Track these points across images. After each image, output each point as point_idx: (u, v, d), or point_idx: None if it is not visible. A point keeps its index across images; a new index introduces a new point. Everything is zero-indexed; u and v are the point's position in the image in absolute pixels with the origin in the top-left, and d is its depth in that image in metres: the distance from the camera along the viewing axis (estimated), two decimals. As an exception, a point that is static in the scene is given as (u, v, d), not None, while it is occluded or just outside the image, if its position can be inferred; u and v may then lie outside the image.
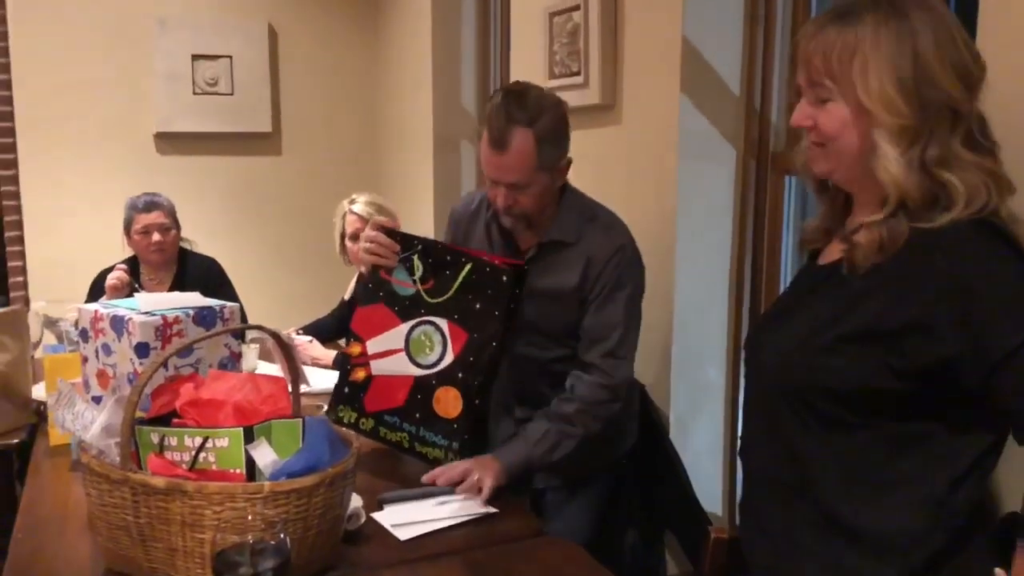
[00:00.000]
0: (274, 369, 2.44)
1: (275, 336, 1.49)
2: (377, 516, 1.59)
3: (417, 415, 1.81)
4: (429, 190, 3.76)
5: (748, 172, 2.21)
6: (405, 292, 1.82)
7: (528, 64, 2.79)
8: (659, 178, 2.25)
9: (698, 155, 2.19)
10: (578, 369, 1.84)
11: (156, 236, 2.91)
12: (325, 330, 2.98)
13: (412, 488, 1.70)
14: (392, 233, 1.84)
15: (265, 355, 2.65)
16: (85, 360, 1.83)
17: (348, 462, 1.37)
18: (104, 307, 1.79)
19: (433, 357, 1.79)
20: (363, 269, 2.74)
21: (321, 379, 2.44)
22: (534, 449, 1.78)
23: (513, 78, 2.95)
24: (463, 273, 1.76)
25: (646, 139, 2.31)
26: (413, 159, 3.91)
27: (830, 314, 1.14)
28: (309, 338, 2.80)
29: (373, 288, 1.86)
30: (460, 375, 1.76)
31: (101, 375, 1.78)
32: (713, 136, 2.20)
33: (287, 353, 1.50)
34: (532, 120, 1.71)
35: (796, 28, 2.14)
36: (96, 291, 2.94)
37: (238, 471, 1.31)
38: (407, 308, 1.82)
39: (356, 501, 1.53)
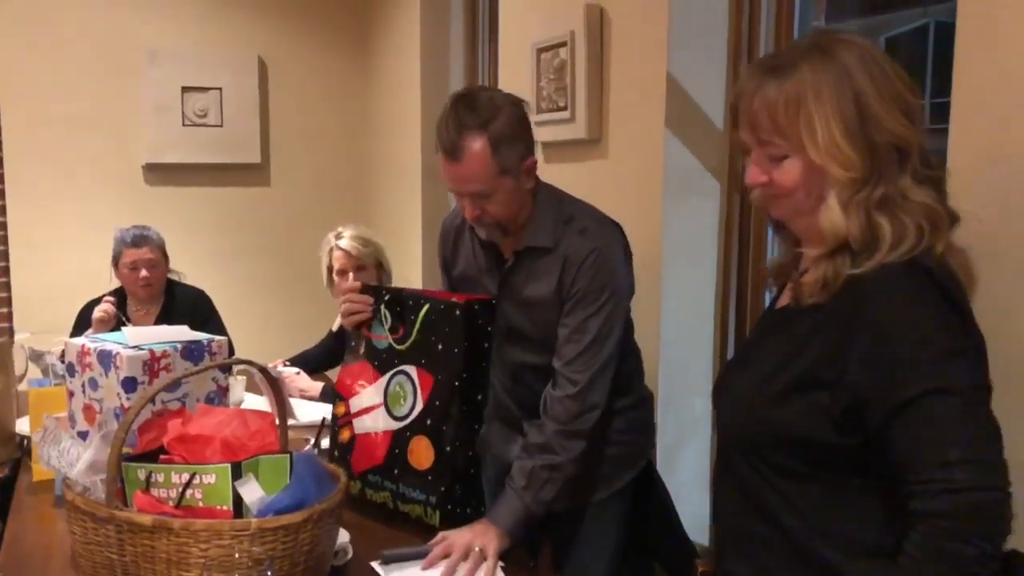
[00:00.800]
0: (261, 401, 2.44)
1: (262, 370, 1.49)
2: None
3: (396, 471, 1.73)
4: (418, 222, 3.78)
5: (732, 206, 2.24)
6: (381, 345, 1.80)
7: (515, 98, 2.82)
8: (645, 212, 2.27)
9: (683, 189, 2.22)
10: (552, 381, 1.73)
11: (144, 272, 2.91)
12: (312, 361, 2.97)
13: (414, 545, 1.59)
14: (365, 288, 1.85)
15: (252, 387, 2.65)
16: (71, 395, 1.82)
17: (335, 498, 1.37)
18: (91, 341, 1.79)
19: (406, 407, 1.74)
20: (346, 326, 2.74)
21: (308, 411, 2.43)
22: (525, 495, 1.66)
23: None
24: (421, 315, 1.73)
25: (632, 173, 2.34)
26: (402, 191, 3.93)
27: (781, 358, 1.14)
28: (296, 370, 2.80)
29: (356, 345, 1.85)
30: (429, 422, 1.70)
31: (87, 410, 1.77)
32: (697, 170, 2.23)
33: (274, 387, 1.51)
34: (485, 123, 1.60)
35: (778, 65, 2.18)
36: (82, 323, 2.93)
37: (225, 508, 1.31)
38: (384, 361, 1.79)
39: (343, 536, 1.53)
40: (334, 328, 3.01)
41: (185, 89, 4.00)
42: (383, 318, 1.80)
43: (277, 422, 1.49)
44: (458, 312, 1.68)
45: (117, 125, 3.96)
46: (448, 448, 1.68)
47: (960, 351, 1.02)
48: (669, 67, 2.18)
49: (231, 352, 2.68)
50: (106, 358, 1.71)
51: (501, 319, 1.79)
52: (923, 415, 1.00)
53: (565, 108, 2.53)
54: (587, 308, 1.70)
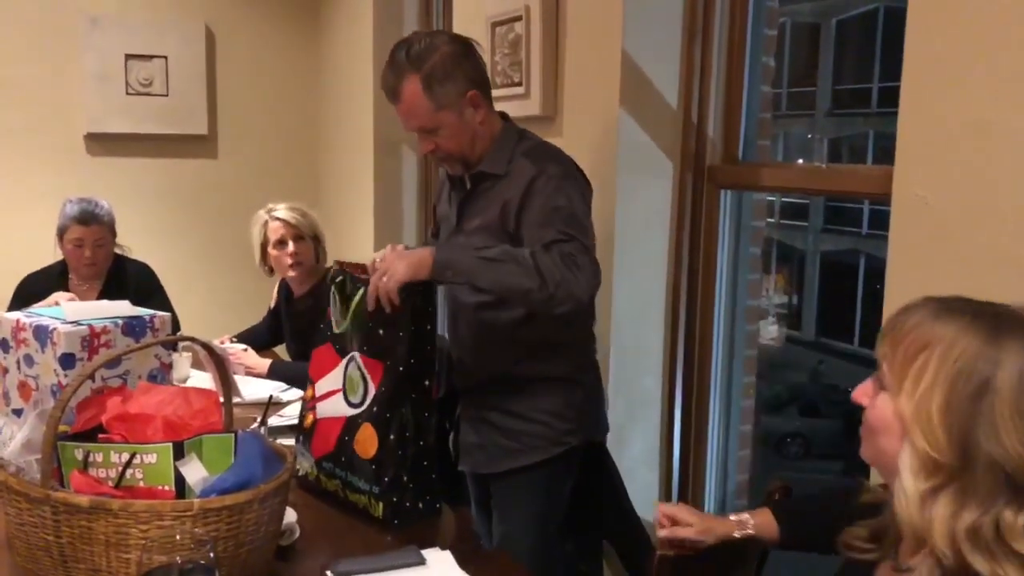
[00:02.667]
0: (207, 378, 2.39)
1: (207, 347, 1.46)
2: None
3: (343, 459, 1.67)
4: (370, 194, 3.73)
5: (685, 185, 2.24)
6: (341, 328, 1.73)
7: (470, 73, 2.79)
8: (599, 189, 2.25)
9: (637, 167, 2.22)
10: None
11: (88, 252, 2.79)
12: (259, 338, 2.92)
13: (370, 556, 1.43)
14: (334, 265, 1.78)
15: (198, 364, 2.59)
16: (5, 372, 1.76)
17: (282, 476, 1.34)
18: (27, 316, 1.73)
19: (359, 394, 1.67)
20: (289, 275, 2.70)
21: (255, 389, 2.39)
22: (475, 252, 1.65)
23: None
24: (356, 299, 1.68)
25: (586, 151, 2.32)
26: (354, 163, 3.87)
27: None
28: (243, 346, 2.75)
29: (324, 328, 1.77)
30: (375, 410, 1.63)
31: (23, 387, 1.72)
32: (651, 149, 2.23)
33: (219, 364, 1.47)
34: (418, 64, 1.71)
35: (733, 44, 2.19)
36: (21, 296, 2.83)
37: (167, 488, 1.28)
38: (342, 345, 1.72)
39: (291, 516, 1.51)
40: (271, 305, 2.96)
41: (129, 57, 3.87)
42: (333, 299, 1.74)
43: (222, 400, 1.46)
44: (403, 293, 1.61)
45: (57, 93, 3.81)
46: (392, 437, 1.61)
47: None
48: (624, 44, 2.17)
49: (176, 328, 2.62)
50: (42, 333, 1.66)
51: None
52: None
53: (520, 84, 2.51)
54: (546, 201, 1.69)
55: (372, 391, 1.65)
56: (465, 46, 1.78)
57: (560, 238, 1.66)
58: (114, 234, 2.90)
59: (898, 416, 0.92)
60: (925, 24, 1.44)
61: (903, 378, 0.92)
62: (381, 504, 1.61)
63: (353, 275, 1.72)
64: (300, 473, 1.75)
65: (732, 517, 1.36)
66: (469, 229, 1.81)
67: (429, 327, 1.67)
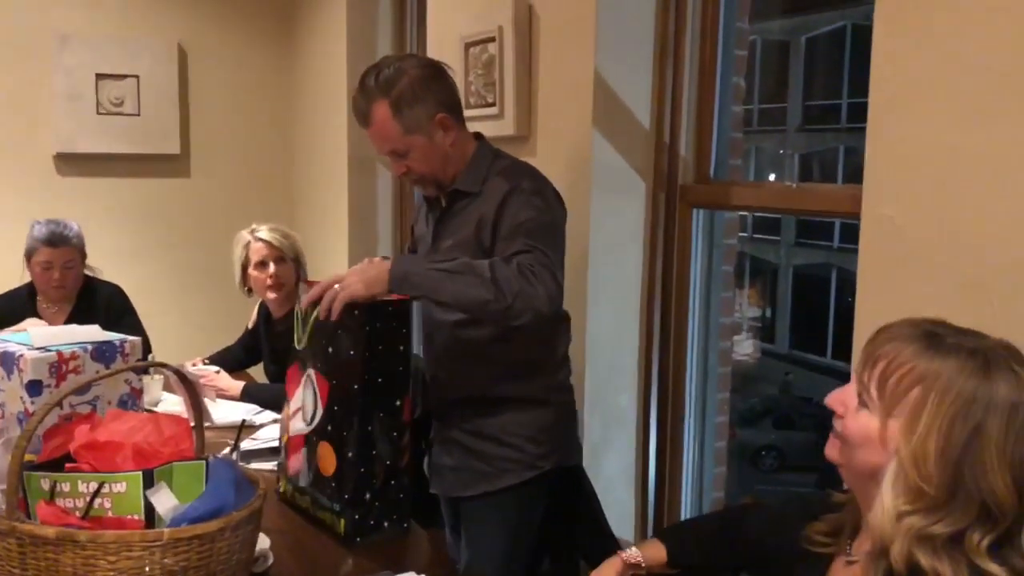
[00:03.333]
0: (179, 400, 2.36)
1: (177, 373, 1.44)
2: None
3: (310, 476, 1.70)
4: (344, 212, 3.72)
5: (658, 204, 2.26)
6: (299, 346, 1.77)
7: (443, 92, 2.80)
8: (573, 210, 2.25)
9: (610, 187, 2.23)
10: None
11: (56, 274, 2.75)
12: (232, 359, 2.90)
13: None
14: (308, 284, 1.77)
15: (169, 387, 2.56)
16: (-28, 398, 1.73)
17: (254, 504, 1.32)
18: (-7, 342, 1.70)
19: (310, 411, 1.69)
20: (269, 296, 2.68)
21: (228, 412, 2.37)
22: (431, 264, 1.62)
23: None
24: (312, 317, 1.69)
25: (560, 171, 2.33)
26: (328, 182, 3.86)
27: None
28: (216, 368, 2.72)
29: (294, 346, 1.80)
30: (330, 428, 1.64)
31: (-11, 414, 1.68)
32: (624, 169, 2.25)
33: (189, 389, 1.45)
34: (387, 89, 1.73)
35: (704, 64, 2.21)
36: (-12, 319, 2.79)
37: (136, 518, 1.25)
38: (302, 363, 1.75)
39: (264, 542, 1.49)
40: (250, 325, 2.94)
41: (100, 76, 3.84)
42: (297, 317, 1.77)
43: (193, 426, 1.44)
44: (356, 312, 1.59)
45: (26, 113, 3.77)
46: (350, 455, 1.60)
47: None
48: (596, 64, 2.19)
49: (147, 350, 2.59)
50: (9, 360, 1.62)
51: None
52: None
53: (493, 104, 2.51)
54: (518, 212, 1.70)
55: (320, 409, 1.67)
56: (435, 69, 1.80)
57: (522, 249, 1.65)
58: (83, 256, 2.86)
59: (883, 439, 0.99)
60: (891, 48, 1.46)
61: (893, 406, 0.98)
62: (343, 520, 1.61)
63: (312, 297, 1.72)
64: (280, 490, 1.81)
65: (623, 554, 1.36)
66: (444, 248, 1.82)
67: (402, 347, 1.65)
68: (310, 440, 1.70)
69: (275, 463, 2.02)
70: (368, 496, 1.62)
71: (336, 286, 1.58)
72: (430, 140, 1.77)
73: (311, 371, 1.71)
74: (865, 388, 1.02)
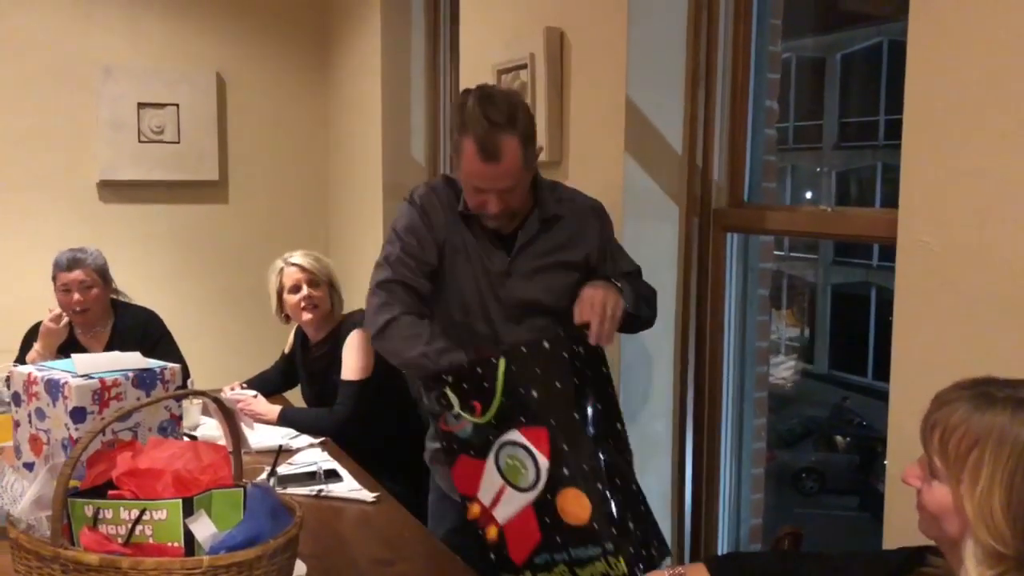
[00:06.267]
0: (217, 425, 2.40)
1: (216, 400, 1.47)
2: None
3: (559, 540, 1.56)
4: (378, 240, 3.74)
5: (691, 229, 2.25)
6: (465, 433, 1.64)
7: (476, 119, 2.82)
8: (605, 234, 2.28)
9: (642, 212, 2.23)
10: None
11: (76, 295, 2.80)
12: (270, 383, 2.93)
13: None
14: (429, 381, 1.70)
15: (208, 412, 2.60)
16: (17, 425, 1.77)
17: (291, 532, 1.34)
18: (39, 369, 1.74)
19: (531, 474, 1.57)
20: (305, 319, 2.69)
21: (265, 436, 2.40)
22: (627, 281, 1.84)
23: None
24: (500, 372, 1.59)
25: (592, 196, 2.34)
26: (362, 210, 3.90)
27: None
28: (254, 393, 2.75)
29: (447, 446, 1.69)
30: (566, 472, 1.53)
31: (34, 440, 1.72)
32: (657, 194, 2.24)
33: (227, 417, 1.48)
34: (511, 122, 1.68)
35: (736, 88, 2.21)
36: (29, 344, 2.86)
37: (176, 545, 1.27)
38: (477, 446, 1.63)
39: (300, 568, 1.50)
40: (286, 350, 2.98)
41: (141, 105, 3.94)
42: (451, 403, 1.64)
43: (230, 450, 1.46)
44: (546, 344, 1.57)
45: (71, 142, 3.88)
46: (599, 486, 1.52)
47: None
48: (628, 90, 2.20)
49: (186, 375, 2.63)
50: (54, 387, 1.67)
51: (510, 298, 1.82)
52: None
53: (526, 130, 2.53)
54: (611, 232, 1.96)
55: (544, 462, 1.56)
56: (523, 99, 1.81)
57: (631, 269, 1.95)
58: (105, 279, 2.89)
59: (958, 509, 0.99)
60: (925, 72, 1.45)
61: (959, 472, 0.99)
62: (622, 559, 1.50)
63: (477, 357, 1.66)
64: None
65: (667, 572, 1.34)
66: (552, 264, 1.86)
67: (604, 369, 1.66)
68: (542, 503, 1.56)
69: (311, 487, 2.03)
70: (631, 525, 1.54)
71: (607, 309, 1.64)
72: (530, 173, 1.77)
73: (511, 434, 1.60)
74: (931, 459, 1.02)
